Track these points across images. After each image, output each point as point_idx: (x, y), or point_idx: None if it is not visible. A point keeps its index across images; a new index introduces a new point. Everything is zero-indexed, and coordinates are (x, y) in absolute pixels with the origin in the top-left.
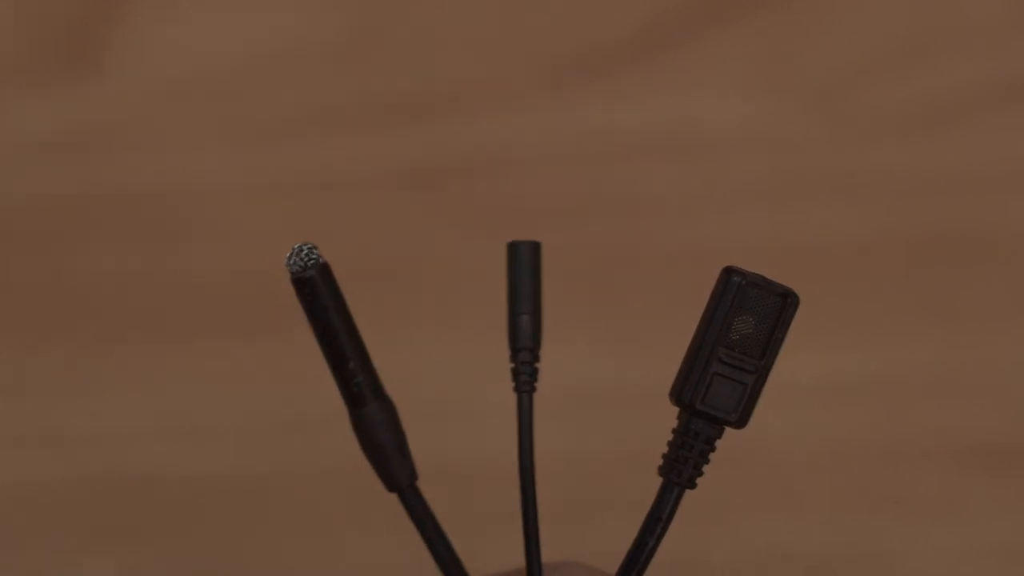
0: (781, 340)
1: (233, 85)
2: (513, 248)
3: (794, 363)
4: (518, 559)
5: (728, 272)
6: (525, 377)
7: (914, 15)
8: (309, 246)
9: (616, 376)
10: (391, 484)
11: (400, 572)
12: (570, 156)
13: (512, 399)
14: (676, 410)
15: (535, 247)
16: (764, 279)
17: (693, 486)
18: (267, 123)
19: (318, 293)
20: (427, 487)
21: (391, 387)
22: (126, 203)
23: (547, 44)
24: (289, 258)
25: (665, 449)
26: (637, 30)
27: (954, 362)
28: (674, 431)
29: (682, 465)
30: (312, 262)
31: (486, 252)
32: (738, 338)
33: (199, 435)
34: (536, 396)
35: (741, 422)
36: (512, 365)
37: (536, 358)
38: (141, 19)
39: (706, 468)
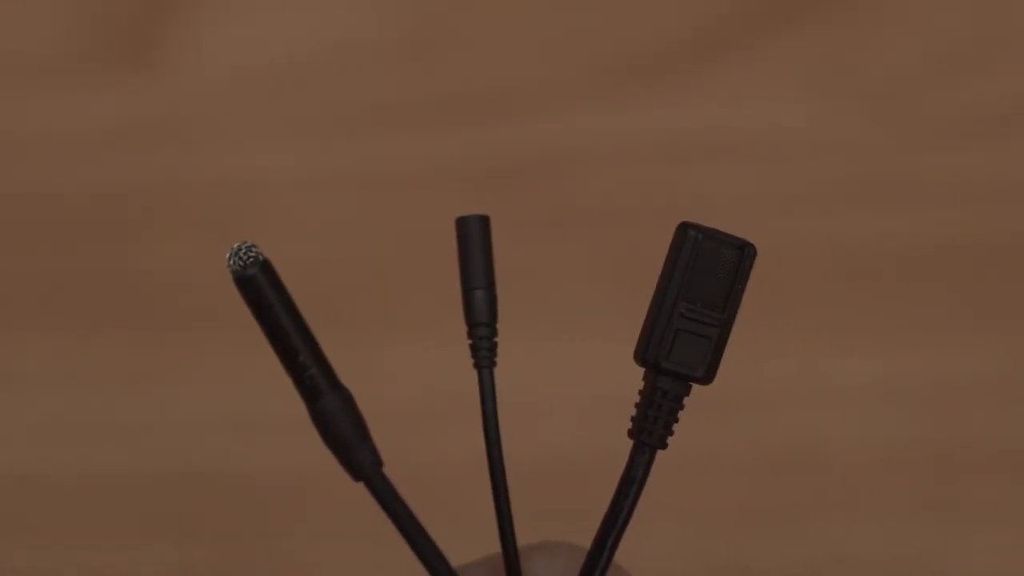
0: (741, 292)
1: (292, 81)
2: (462, 223)
3: (852, 366)
4: None
5: (684, 227)
6: (484, 352)
7: (972, 21)
8: (248, 244)
9: None
10: (355, 473)
11: None
12: (631, 158)
13: (577, 395)
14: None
15: (484, 220)
16: (720, 232)
17: (664, 446)
18: (326, 119)
19: (261, 291)
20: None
21: (454, 385)
22: (185, 196)
23: (608, 45)
24: (228, 258)
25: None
26: (697, 34)
27: (1012, 369)
28: (641, 392)
29: (652, 425)
30: (252, 260)
31: (546, 251)
32: (699, 293)
33: (257, 429)
34: (586, 387)
35: (708, 377)
36: (470, 341)
37: (494, 332)
38: (200, 15)
39: (676, 428)
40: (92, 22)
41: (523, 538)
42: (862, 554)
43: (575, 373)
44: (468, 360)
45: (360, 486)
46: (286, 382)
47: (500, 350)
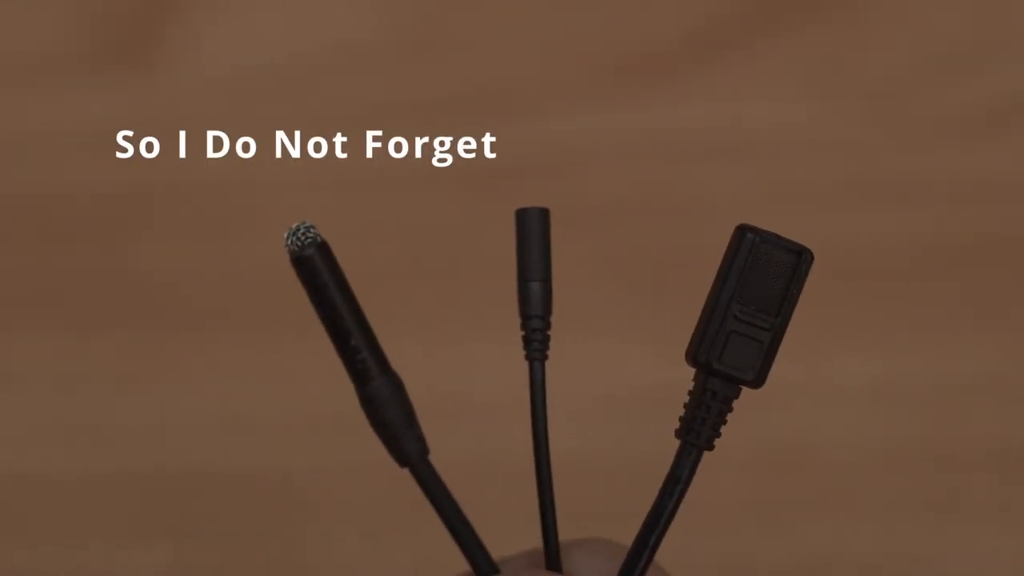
0: (796, 297)
1: (292, 81)
2: (521, 215)
3: (852, 366)
4: None
5: (742, 229)
6: (536, 344)
7: (972, 21)
8: (307, 225)
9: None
10: (401, 459)
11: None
12: (631, 158)
13: (577, 395)
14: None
15: (544, 213)
16: (778, 236)
17: (711, 447)
18: (326, 119)
19: (317, 271)
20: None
21: (454, 385)
22: (185, 196)
23: (608, 46)
24: (287, 238)
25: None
26: (697, 34)
27: (1012, 369)
28: (690, 392)
29: (700, 426)
30: (310, 241)
31: None
32: (753, 296)
33: (257, 429)
34: (587, 387)
35: (758, 381)
36: (523, 333)
37: (547, 325)
38: (200, 15)
39: (723, 429)
40: (92, 22)
41: (518, 537)
42: (862, 553)
43: (575, 373)
44: (467, 360)
45: (358, 484)
46: (286, 382)
47: (500, 350)
